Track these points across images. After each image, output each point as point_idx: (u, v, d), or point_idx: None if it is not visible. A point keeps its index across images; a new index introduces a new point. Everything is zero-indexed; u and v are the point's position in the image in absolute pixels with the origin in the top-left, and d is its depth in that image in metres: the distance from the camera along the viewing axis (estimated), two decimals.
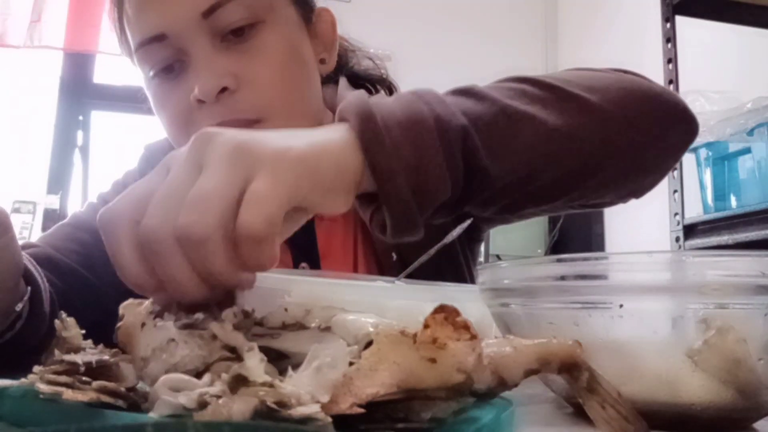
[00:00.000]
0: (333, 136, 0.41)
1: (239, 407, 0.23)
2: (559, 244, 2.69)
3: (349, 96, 0.44)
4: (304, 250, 0.72)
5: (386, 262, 0.71)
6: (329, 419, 0.23)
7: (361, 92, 0.47)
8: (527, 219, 0.72)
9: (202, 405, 0.24)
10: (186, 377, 0.27)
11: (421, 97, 0.45)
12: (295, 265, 0.72)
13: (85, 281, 0.68)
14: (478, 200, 0.48)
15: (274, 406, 0.23)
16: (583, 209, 0.63)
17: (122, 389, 0.28)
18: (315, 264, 0.72)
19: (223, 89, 0.61)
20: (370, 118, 0.42)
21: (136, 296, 0.34)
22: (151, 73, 0.65)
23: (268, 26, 0.64)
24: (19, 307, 0.50)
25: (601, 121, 0.52)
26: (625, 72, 0.59)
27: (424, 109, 0.44)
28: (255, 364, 0.25)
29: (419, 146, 0.43)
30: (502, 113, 0.47)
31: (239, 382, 0.24)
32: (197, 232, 0.32)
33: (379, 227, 0.45)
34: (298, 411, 0.23)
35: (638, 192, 0.61)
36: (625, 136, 0.53)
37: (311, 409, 0.23)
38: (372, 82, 0.81)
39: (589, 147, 0.51)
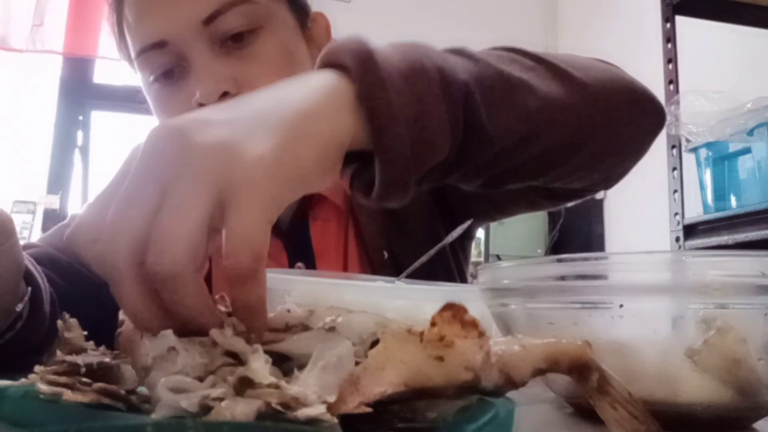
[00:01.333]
0: (324, 100, 0.37)
1: (242, 409, 0.23)
2: (559, 244, 2.69)
3: (342, 39, 0.41)
4: (299, 250, 0.73)
5: (378, 260, 0.71)
6: (335, 420, 0.23)
7: (356, 36, 0.42)
8: (510, 209, 0.74)
9: (204, 408, 0.24)
10: (188, 379, 0.27)
11: (424, 52, 0.43)
12: (291, 265, 0.72)
13: (86, 279, 0.68)
14: (470, 166, 0.46)
15: (278, 407, 0.23)
16: (553, 202, 0.66)
17: (122, 392, 0.28)
18: (311, 263, 0.73)
19: (224, 93, 0.62)
20: (369, 67, 0.39)
21: None
22: (152, 78, 0.66)
23: (267, 32, 0.65)
24: (19, 307, 0.50)
25: (587, 95, 0.51)
26: (600, 61, 0.59)
27: (426, 61, 0.42)
28: (260, 366, 0.25)
29: (422, 94, 0.40)
30: (499, 77, 0.46)
31: (245, 385, 0.24)
32: (164, 272, 0.28)
33: (362, 190, 0.42)
34: (304, 412, 0.22)
35: (610, 180, 0.60)
36: (606, 113, 0.53)
37: (317, 410, 0.22)
38: None
39: (576, 120, 0.51)
